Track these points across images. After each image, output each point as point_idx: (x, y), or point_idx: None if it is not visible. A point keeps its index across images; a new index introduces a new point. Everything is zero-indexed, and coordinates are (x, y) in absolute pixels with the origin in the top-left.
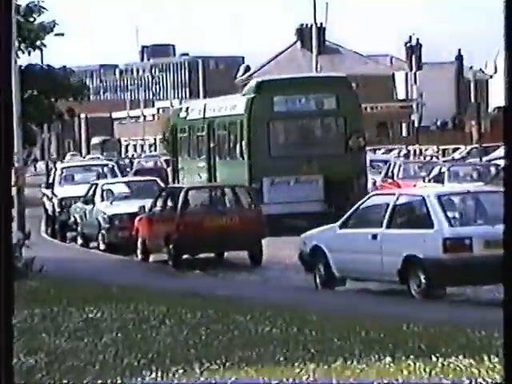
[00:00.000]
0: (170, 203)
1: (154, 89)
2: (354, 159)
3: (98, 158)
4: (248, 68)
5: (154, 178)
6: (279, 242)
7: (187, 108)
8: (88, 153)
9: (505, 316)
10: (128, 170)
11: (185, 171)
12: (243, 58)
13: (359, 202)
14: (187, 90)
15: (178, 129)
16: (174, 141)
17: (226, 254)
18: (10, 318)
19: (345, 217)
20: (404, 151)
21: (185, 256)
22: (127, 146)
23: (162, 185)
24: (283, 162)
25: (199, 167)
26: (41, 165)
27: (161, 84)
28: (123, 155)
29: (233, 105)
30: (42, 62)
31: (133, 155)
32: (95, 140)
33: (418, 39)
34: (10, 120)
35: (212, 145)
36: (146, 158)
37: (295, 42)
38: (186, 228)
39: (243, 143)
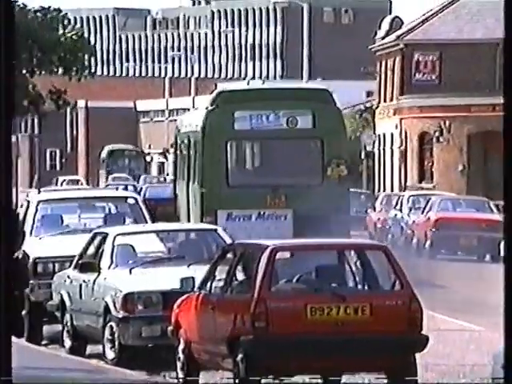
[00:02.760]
0: (239, 274)
1: (215, 58)
2: (332, 191)
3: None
4: (397, 22)
5: (213, 227)
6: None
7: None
8: (88, 174)
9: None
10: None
11: (178, 201)
12: (390, 0)
13: None
14: (279, 61)
15: (178, 143)
16: (174, 158)
17: (344, 379)
18: (10, 320)
19: None
20: None
21: (266, 380)
22: (162, 163)
23: (227, 239)
24: (243, 191)
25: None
26: None
27: (229, 49)
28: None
29: (197, 118)
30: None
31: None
32: (107, 150)
33: None
34: None
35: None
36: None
37: None
38: (272, 322)
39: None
